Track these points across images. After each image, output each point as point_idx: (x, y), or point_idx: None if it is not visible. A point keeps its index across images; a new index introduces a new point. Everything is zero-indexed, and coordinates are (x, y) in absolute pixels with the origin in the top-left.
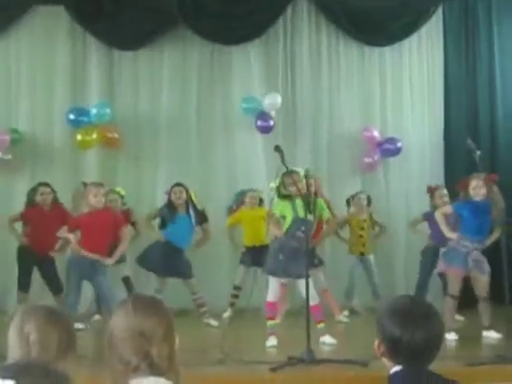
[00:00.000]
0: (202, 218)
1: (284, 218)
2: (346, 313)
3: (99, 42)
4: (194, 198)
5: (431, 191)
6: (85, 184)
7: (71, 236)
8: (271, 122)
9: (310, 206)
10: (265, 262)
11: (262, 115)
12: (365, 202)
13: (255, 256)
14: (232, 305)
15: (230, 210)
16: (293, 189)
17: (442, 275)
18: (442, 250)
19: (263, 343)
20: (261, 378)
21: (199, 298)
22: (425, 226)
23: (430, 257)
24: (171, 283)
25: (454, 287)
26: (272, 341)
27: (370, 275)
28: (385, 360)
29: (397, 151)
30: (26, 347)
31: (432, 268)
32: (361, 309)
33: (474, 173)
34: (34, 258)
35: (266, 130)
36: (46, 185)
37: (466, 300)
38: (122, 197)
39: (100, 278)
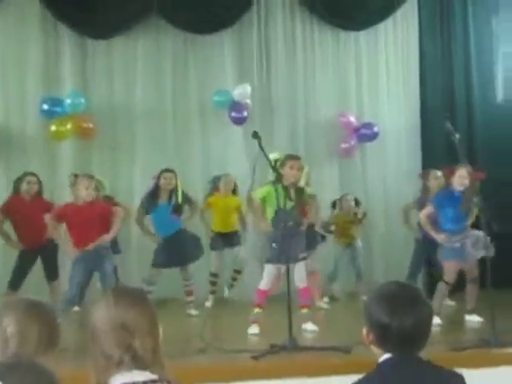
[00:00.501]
0: (184, 203)
1: (263, 200)
2: (326, 299)
3: (72, 32)
4: (179, 188)
5: (425, 174)
6: (75, 176)
7: (61, 236)
8: (245, 113)
9: (290, 194)
10: (234, 242)
11: (235, 106)
12: (352, 203)
13: (225, 239)
14: (212, 293)
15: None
16: (289, 172)
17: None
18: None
19: (245, 331)
20: (243, 367)
21: (190, 284)
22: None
23: (419, 251)
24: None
25: (450, 276)
26: (254, 329)
27: (355, 259)
28: (374, 348)
29: (373, 136)
30: (4, 341)
31: (422, 262)
32: (340, 294)
33: (462, 163)
34: (35, 256)
35: (239, 120)
36: (33, 174)
37: (455, 284)
38: (104, 188)
39: (107, 265)
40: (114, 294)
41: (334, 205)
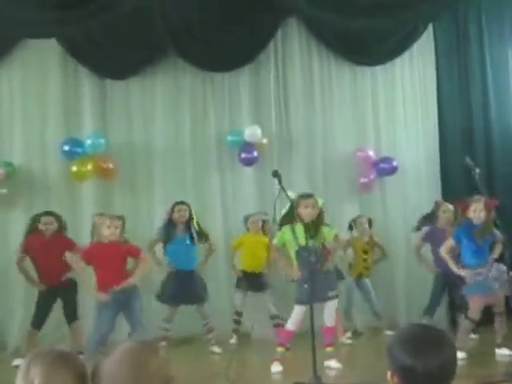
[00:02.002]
0: (203, 236)
1: (284, 245)
2: (348, 334)
3: (91, 73)
4: (195, 217)
5: (438, 205)
6: (100, 215)
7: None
8: (255, 153)
9: (311, 231)
10: (261, 286)
11: (245, 147)
12: (366, 226)
13: (251, 281)
14: (235, 331)
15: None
16: (304, 211)
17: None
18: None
19: (269, 369)
20: None
21: (210, 322)
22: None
23: (439, 285)
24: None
25: (475, 312)
26: (277, 367)
27: (368, 298)
28: None
29: (393, 170)
30: None
31: (442, 296)
32: (363, 328)
33: (476, 194)
34: (55, 295)
35: (249, 161)
36: (49, 213)
37: (481, 318)
38: None
39: (136, 304)
40: (123, 350)
41: (350, 227)
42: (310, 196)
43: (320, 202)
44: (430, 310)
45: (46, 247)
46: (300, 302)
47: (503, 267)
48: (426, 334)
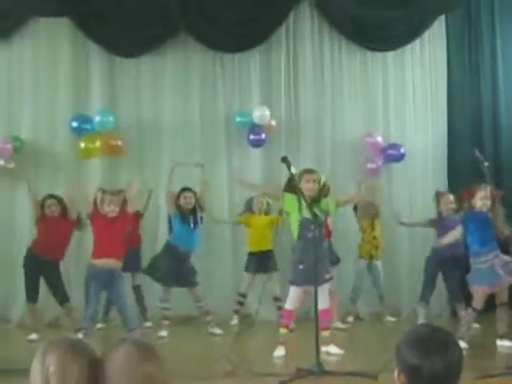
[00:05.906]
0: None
1: (288, 214)
2: (350, 319)
3: (101, 50)
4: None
5: (437, 197)
6: (103, 191)
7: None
8: (263, 136)
9: (312, 207)
10: (269, 266)
11: (254, 129)
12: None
13: (259, 261)
14: (237, 312)
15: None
16: (306, 185)
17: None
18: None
19: (271, 351)
20: None
21: (204, 305)
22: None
23: (430, 270)
24: (176, 291)
25: (480, 302)
26: (280, 351)
27: (376, 280)
28: None
29: (400, 157)
30: (45, 379)
31: (435, 278)
32: (365, 315)
33: (483, 183)
34: (39, 266)
35: (257, 143)
36: (52, 197)
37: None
38: None
39: (119, 287)
40: (136, 345)
41: (355, 208)
42: (312, 171)
43: (323, 178)
44: (424, 295)
45: (51, 228)
46: (294, 283)
47: (509, 258)
48: (433, 335)
